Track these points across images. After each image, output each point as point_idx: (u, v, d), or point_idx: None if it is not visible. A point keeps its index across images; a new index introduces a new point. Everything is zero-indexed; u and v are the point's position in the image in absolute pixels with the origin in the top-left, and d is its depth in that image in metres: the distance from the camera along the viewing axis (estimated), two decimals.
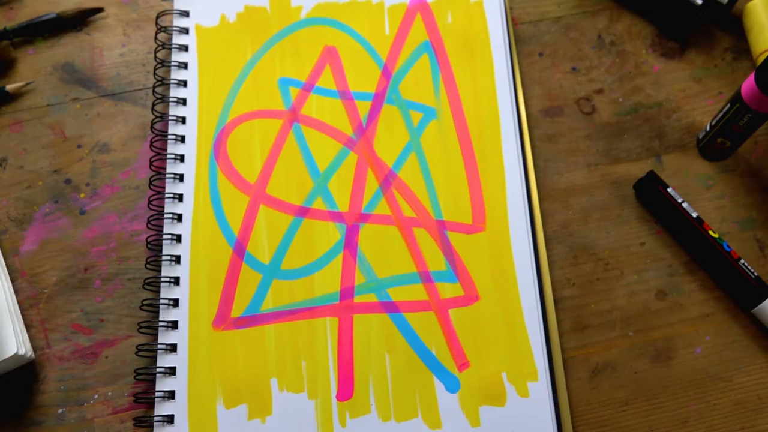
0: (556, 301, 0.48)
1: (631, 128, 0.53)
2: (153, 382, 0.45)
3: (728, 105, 0.47)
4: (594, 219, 0.50)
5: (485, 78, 0.53)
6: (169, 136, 0.51)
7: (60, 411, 0.46)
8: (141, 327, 0.47)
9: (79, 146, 0.53)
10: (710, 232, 0.48)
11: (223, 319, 0.47)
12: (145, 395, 0.45)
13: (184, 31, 0.55)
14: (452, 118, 0.52)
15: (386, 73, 0.54)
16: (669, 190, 0.49)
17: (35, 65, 0.55)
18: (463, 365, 0.46)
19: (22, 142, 0.53)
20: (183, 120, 0.52)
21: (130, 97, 0.54)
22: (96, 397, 0.46)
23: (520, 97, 0.53)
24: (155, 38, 0.55)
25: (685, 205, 0.49)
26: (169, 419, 0.44)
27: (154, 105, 0.52)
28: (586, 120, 0.53)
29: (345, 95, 0.53)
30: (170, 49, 0.54)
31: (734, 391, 0.46)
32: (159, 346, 0.46)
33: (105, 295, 0.49)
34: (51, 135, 0.53)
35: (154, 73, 0.53)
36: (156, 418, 0.44)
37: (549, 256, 0.49)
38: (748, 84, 0.45)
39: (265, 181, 0.50)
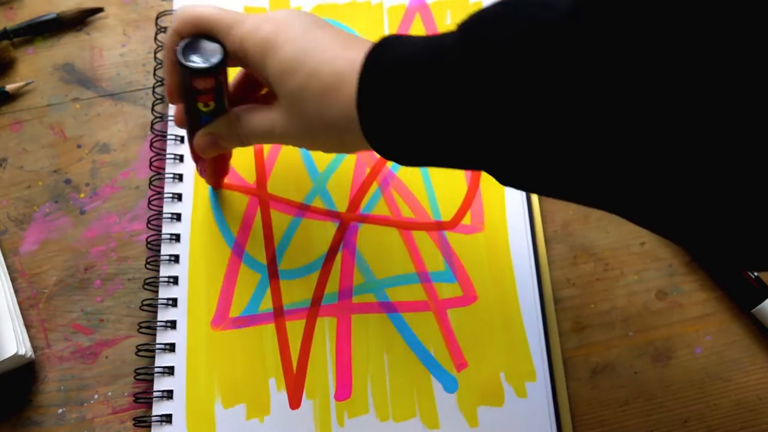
0: (555, 301, 0.48)
1: None
2: (153, 381, 0.46)
3: None
4: (594, 219, 0.50)
5: None
6: (169, 136, 0.51)
7: (60, 411, 0.46)
8: (141, 327, 0.47)
9: (79, 146, 0.53)
10: None
11: (221, 319, 0.47)
12: (145, 395, 0.45)
13: None
14: None
15: None
16: None
17: (35, 65, 0.55)
18: (461, 365, 0.46)
19: (22, 142, 0.53)
20: None
21: (130, 97, 0.54)
22: (96, 397, 0.46)
23: None
24: (155, 38, 0.55)
25: None
26: (168, 419, 0.44)
27: (154, 105, 0.52)
28: None
29: None
30: None
31: (734, 391, 0.46)
32: (157, 346, 0.46)
33: (105, 295, 0.49)
34: (51, 135, 0.53)
35: (154, 73, 0.53)
36: (154, 418, 0.44)
37: (549, 256, 0.49)
38: None
39: (263, 181, 0.50)
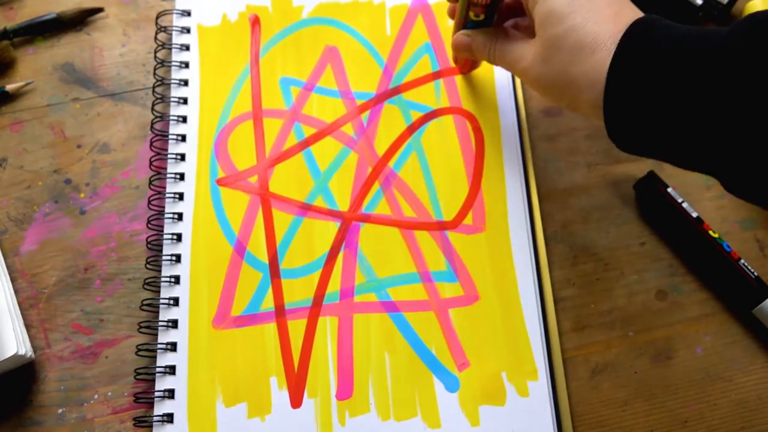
0: (556, 301, 0.48)
1: None
2: (153, 381, 0.45)
3: None
4: (594, 219, 0.50)
5: (485, 78, 0.53)
6: (170, 135, 0.51)
7: (60, 411, 0.46)
8: (141, 327, 0.47)
9: (79, 146, 0.53)
10: (710, 232, 0.48)
11: (223, 318, 0.47)
12: (145, 395, 0.45)
13: (186, 30, 0.55)
14: (452, 119, 0.52)
15: (387, 73, 0.54)
16: (669, 190, 0.49)
17: (35, 65, 0.55)
18: (462, 365, 0.46)
19: (22, 142, 0.53)
20: (184, 119, 0.52)
21: (130, 97, 0.54)
22: (96, 397, 0.46)
23: (520, 96, 0.53)
24: (155, 38, 0.55)
25: (685, 205, 0.49)
26: (169, 418, 0.44)
27: (154, 105, 0.52)
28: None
29: (346, 95, 0.53)
30: (170, 48, 0.54)
31: (734, 391, 0.46)
32: (159, 345, 0.46)
33: (105, 295, 0.49)
34: (51, 135, 0.53)
35: (154, 73, 0.53)
36: (155, 417, 0.44)
37: (549, 256, 0.49)
38: None
39: (265, 180, 0.50)
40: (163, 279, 0.47)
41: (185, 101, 0.52)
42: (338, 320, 0.47)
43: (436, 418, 0.44)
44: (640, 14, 0.36)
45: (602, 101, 0.35)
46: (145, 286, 0.48)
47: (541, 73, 0.39)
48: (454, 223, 0.49)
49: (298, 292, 0.47)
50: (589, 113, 0.37)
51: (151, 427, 0.44)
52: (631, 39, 0.34)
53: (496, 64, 0.44)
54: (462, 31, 0.47)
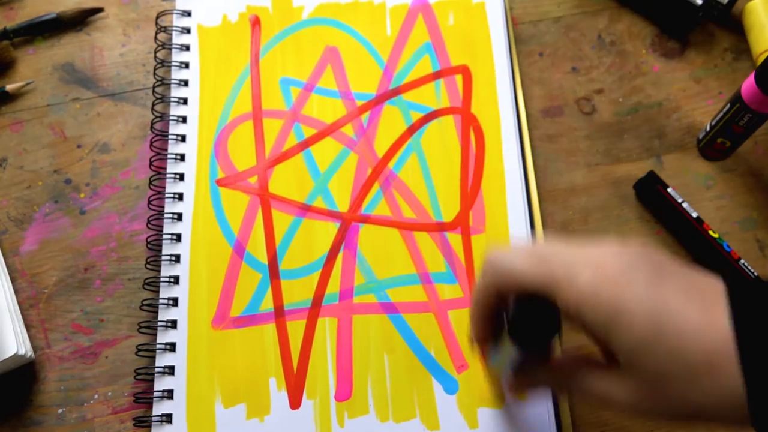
0: None
1: (631, 128, 0.53)
2: (153, 381, 0.45)
3: (728, 105, 0.47)
4: (594, 219, 0.50)
5: (486, 78, 0.53)
6: (170, 135, 0.51)
7: (60, 411, 0.46)
8: (141, 327, 0.47)
9: (79, 146, 0.53)
10: (710, 232, 0.48)
11: (222, 319, 0.47)
12: (144, 395, 0.45)
13: (186, 30, 0.55)
14: (452, 119, 0.52)
15: (387, 73, 0.54)
16: (669, 190, 0.49)
17: (35, 65, 0.55)
18: (461, 367, 0.46)
19: (22, 142, 0.53)
20: (184, 119, 0.52)
21: (130, 97, 0.54)
22: (96, 397, 0.46)
23: (520, 97, 0.53)
24: (155, 38, 0.55)
25: (685, 205, 0.49)
26: (168, 418, 0.44)
27: (154, 105, 0.52)
28: (586, 120, 0.53)
29: (346, 95, 0.53)
30: (170, 49, 0.54)
31: None
32: (158, 345, 0.46)
33: (105, 295, 0.49)
34: (51, 135, 0.53)
35: (154, 73, 0.53)
36: (154, 417, 0.44)
37: None
38: (748, 84, 0.45)
39: (265, 180, 0.50)
40: (162, 279, 0.47)
41: (185, 101, 0.52)
42: (337, 321, 0.47)
43: (434, 420, 0.44)
44: (719, 287, 0.30)
45: (749, 415, 0.29)
46: (145, 286, 0.48)
47: (652, 409, 0.32)
48: (454, 224, 0.49)
49: (297, 292, 0.47)
50: (725, 424, 0.31)
51: (150, 427, 0.44)
52: (749, 339, 0.29)
53: (576, 399, 0.40)
54: (517, 373, 0.37)
